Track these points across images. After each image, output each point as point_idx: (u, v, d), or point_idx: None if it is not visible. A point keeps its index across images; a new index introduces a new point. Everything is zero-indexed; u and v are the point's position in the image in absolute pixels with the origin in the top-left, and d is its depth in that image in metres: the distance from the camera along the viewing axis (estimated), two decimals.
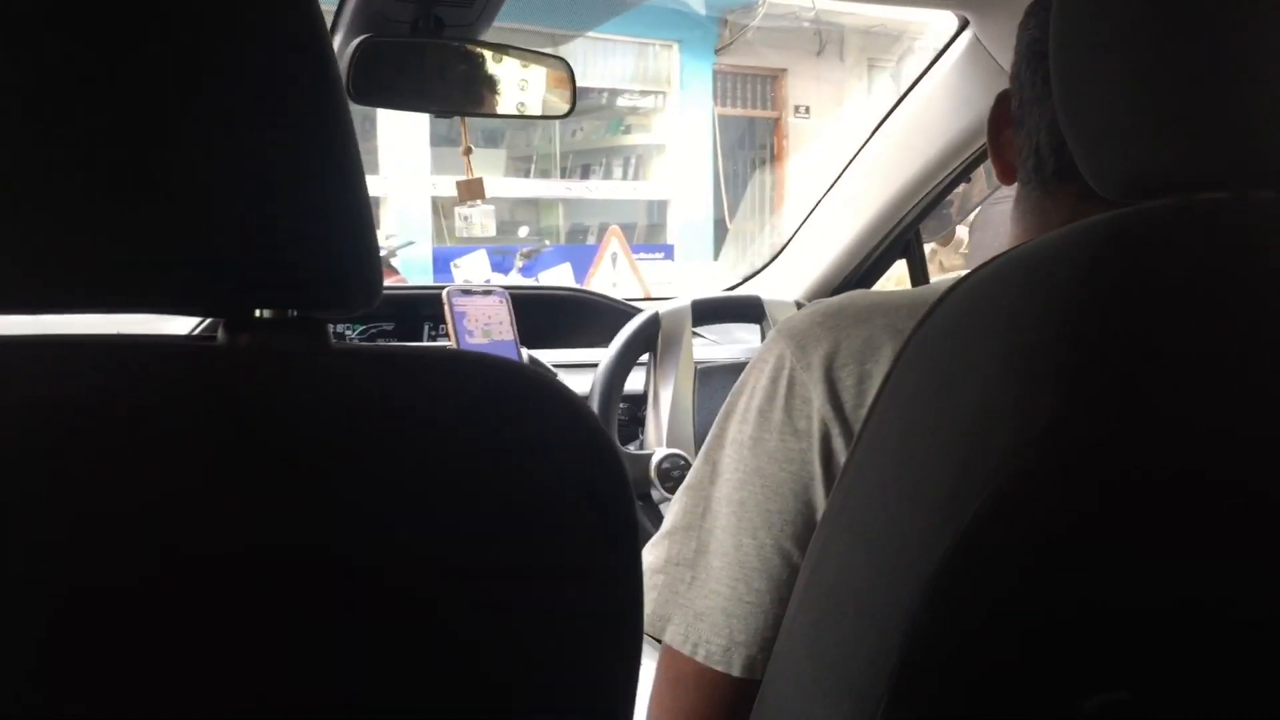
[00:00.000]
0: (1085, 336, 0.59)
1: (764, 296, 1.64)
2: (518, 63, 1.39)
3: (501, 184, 9.33)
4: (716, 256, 8.86)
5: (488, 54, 1.37)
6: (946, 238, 4.22)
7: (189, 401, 0.50)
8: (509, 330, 1.54)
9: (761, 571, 0.77)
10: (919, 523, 0.61)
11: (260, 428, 0.51)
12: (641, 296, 2.64)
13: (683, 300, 1.55)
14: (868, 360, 0.76)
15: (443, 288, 1.54)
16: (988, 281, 0.64)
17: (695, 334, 1.89)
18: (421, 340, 1.75)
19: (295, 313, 0.54)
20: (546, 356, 1.66)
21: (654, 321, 1.51)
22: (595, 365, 1.52)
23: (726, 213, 9.27)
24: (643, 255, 7.97)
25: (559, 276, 8.07)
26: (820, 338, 0.77)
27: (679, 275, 7.87)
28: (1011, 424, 0.59)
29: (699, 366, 1.54)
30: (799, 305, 1.64)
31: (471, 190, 1.41)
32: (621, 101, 9.65)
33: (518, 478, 0.57)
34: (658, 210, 9.55)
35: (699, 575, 0.79)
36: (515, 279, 7.52)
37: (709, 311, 1.60)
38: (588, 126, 9.72)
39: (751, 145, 9.95)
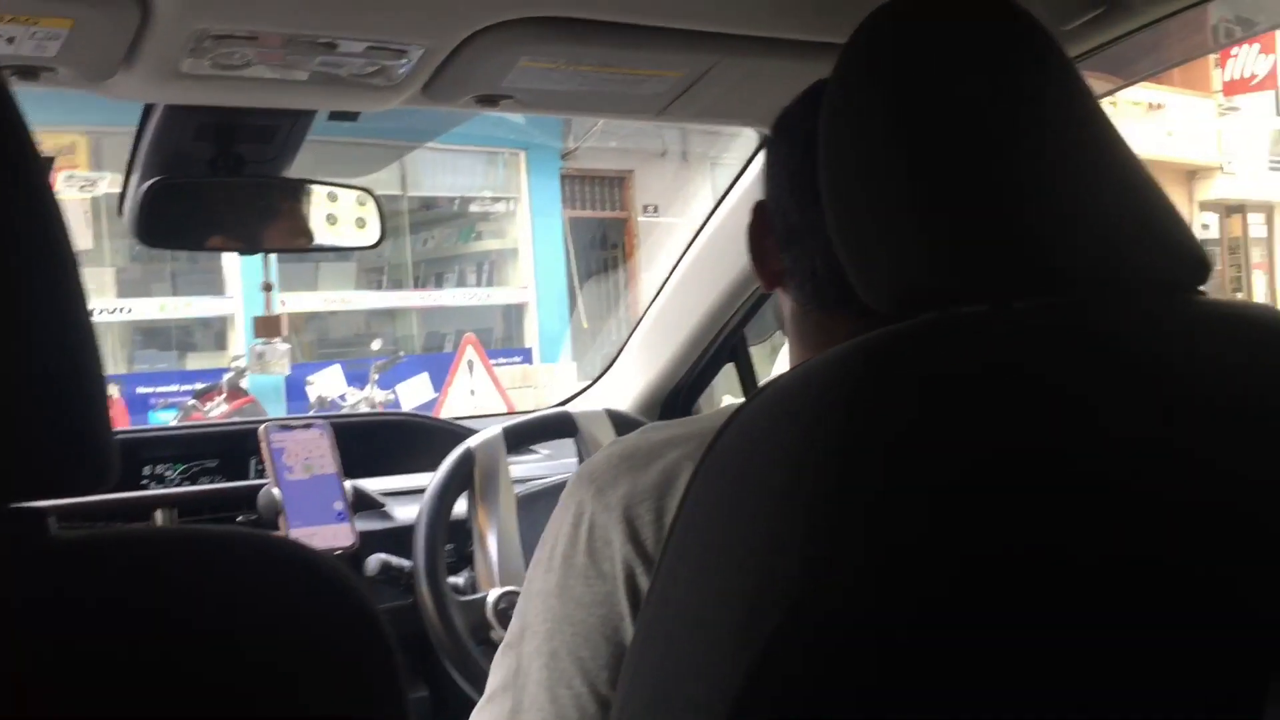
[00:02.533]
0: (852, 463, 0.60)
1: (574, 411, 1.64)
2: (322, 195, 1.39)
3: (354, 296, 9.22)
4: (574, 357, 8.89)
5: (290, 189, 1.36)
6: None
7: None
8: (330, 463, 1.50)
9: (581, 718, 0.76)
10: (715, 652, 0.61)
11: None
12: (502, 412, 2.62)
13: (494, 430, 1.53)
14: (665, 496, 0.76)
15: (261, 423, 1.50)
16: (766, 407, 0.65)
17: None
18: (248, 477, 1.69)
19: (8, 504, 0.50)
20: (374, 485, 1.62)
21: (467, 459, 1.49)
22: (424, 490, 1.49)
23: (582, 313, 9.33)
24: (500, 361, 7.95)
25: (416, 387, 7.98)
26: (617, 479, 0.77)
27: (539, 378, 7.86)
28: (797, 553, 0.59)
29: (521, 494, 1.52)
30: (611, 415, 1.64)
31: (269, 328, 1.39)
32: (473, 208, 9.70)
33: (270, 673, 0.53)
34: (514, 314, 9.56)
35: None
36: (371, 392, 7.39)
37: (521, 436, 1.59)
38: (439, 234, 9.72)
39: (604, 245, 10.09)
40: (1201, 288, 0.73)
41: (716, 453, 0.66)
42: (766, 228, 0.87)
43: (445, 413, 5.87)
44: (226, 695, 0.52)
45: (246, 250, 1.38)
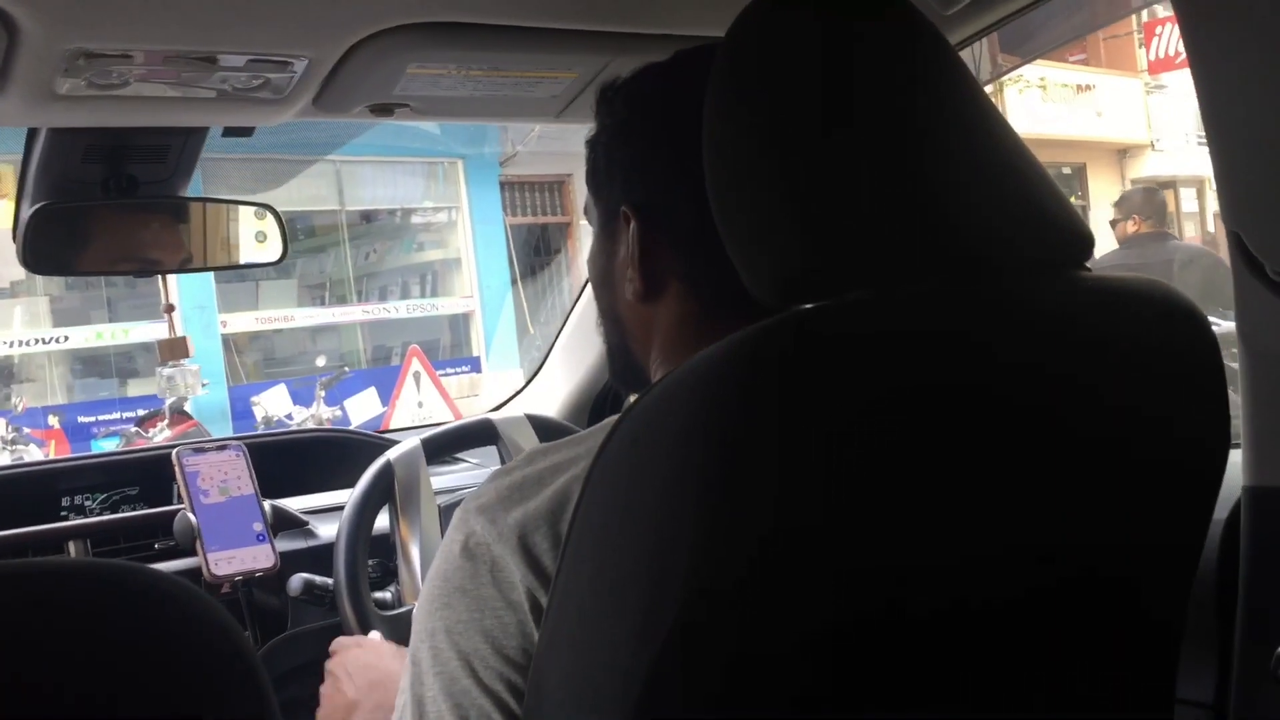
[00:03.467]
0: (742, 454, 0.60)
1: (495, 417, 1.63)
2: (221, 213, 1.37)
3: (297, 313, 9.13)
4: (522, 363, 8.86)
5: (187, 208, 1.34)
6: None
7: None
8: (248, 484, 1.48)
9: None
10: (618, 649, 0.62)
11: None
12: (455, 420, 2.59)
13: (412, 441, 1.51)
14: (560, 520, 0.73)
15: (173, 448, 1.47)
16: (651, 407, 0.65)
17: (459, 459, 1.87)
18: (170, 502, 1.66)
19: None
20: (296, 504, 1.60)
21: (386, 472, 1.47)
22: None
23: (528, 319, 9.31)
24: (448, 370, 7.91)
25: (364, 402, 7.92)
26: (509, 507, 0.74)
27: (487, 386, 7.83)
28: (689, 544, 0.60)
29: (444, 505, 1.50)
30: (533, 419, 1.63)
31: (174, 350, 1.36)
32: (413, 219, 9.63)
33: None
34: (460, 324, 9.51)
35: None
36: (318, 409, 7.32)
37: (441, 446, 1.57)
38: (380, 247, 9.65)
39: (547, 250, 10.06)
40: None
41: (606, 455, 0.66)
42: (651, 230, 0.83)
43: (394, 425, 5.83)
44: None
45: (143, 272, 1.36)
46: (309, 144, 7.47)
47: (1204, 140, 1.00)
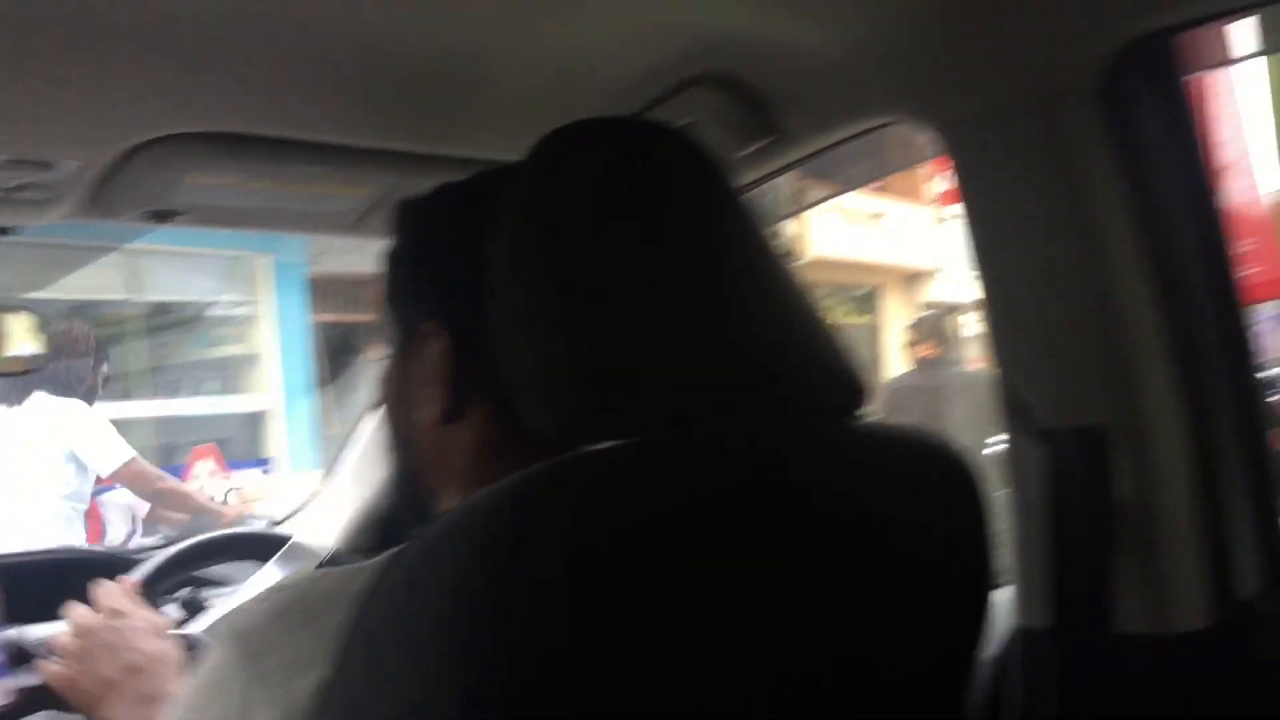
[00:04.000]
0: (504, 600, 0.58)
1: (255, 533, 1.53)
2: None
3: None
4: (325, 464, 8.56)
5: None
6: None
7: None
8: None
9: None
10: None
11: None
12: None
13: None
14: (322, 662, 0.67)
15: None
16: (424, 547, 0.62)
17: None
18: None
19: None
20: (37, 632, 1.46)
21: None
22: None
23: (334, 419, 9.04)
24: (240, 471, 7.53)
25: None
26: (273, 642, 0.68)
27: (279, 489, 7.49)
28: (457, 688, 0.58)
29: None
30: (295, 545, 1.54)
31: None
32: (211, 313, 9.28)
33: None
34: (258, 422, 9.14)
35: None
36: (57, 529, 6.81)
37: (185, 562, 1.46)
38: (175, 340, 9.23)
39: (353, 350, 9.84)
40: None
41: (375, 591, 0.62)
42: (461, 348, 0.79)
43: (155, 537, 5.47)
44: None
45: None
46: (102, 231, 7.12)
47: None
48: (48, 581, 1.60)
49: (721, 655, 0.64)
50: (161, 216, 1.24)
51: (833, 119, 1.12)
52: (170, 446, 8.92)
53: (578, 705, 0.59)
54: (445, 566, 0.61)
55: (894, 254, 12.54)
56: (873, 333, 13.17)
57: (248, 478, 7.35)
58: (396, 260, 0.86)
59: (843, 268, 12.05)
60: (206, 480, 6.42)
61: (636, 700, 0.61)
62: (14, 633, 1.40)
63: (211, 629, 0.72)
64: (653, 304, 0.67)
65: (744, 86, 1.12)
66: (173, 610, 1.37)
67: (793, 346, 0.71)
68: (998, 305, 1.04)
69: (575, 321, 0.66)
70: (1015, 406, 1.04)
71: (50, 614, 1.52)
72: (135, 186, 1.13)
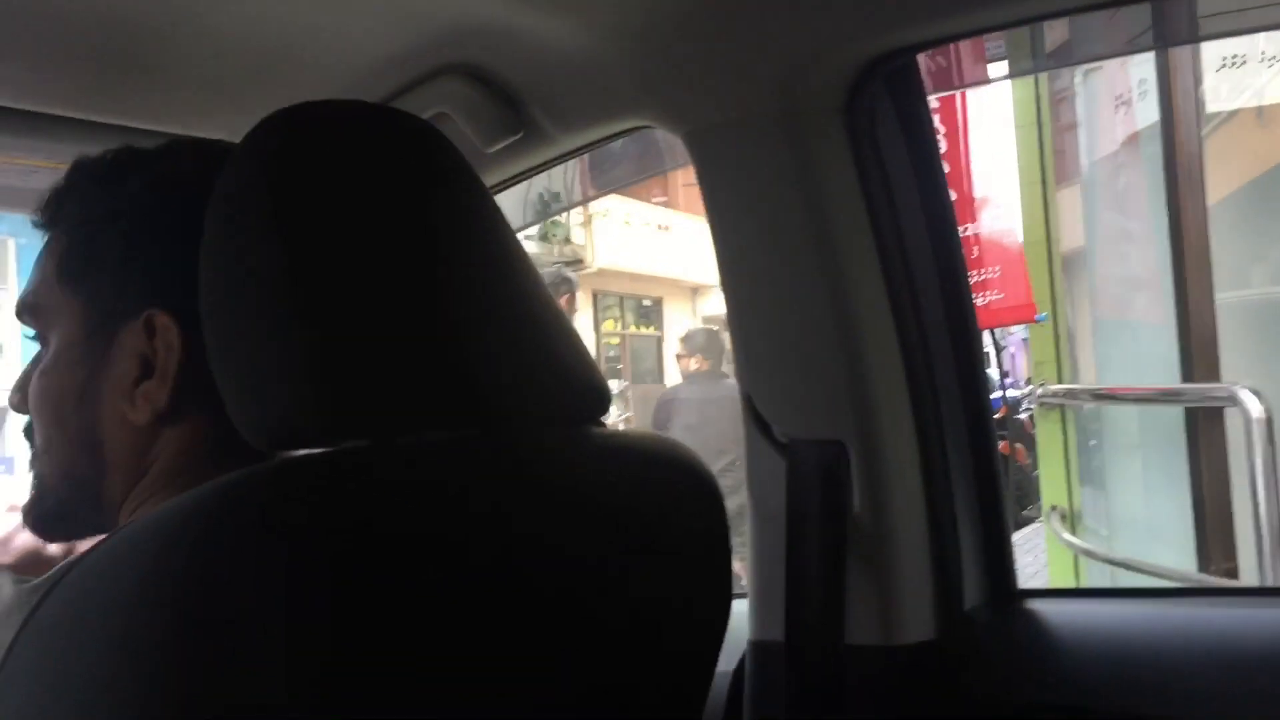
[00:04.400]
0: (195, 624, 0.52)
1: None
2: None
3: None
4: None
5: None
6: None
7: None
8: None
9: None
10: None
11: None
12: None
13: None
14: None
15: None
16: (104, 560, 0.55)
17: None
18: None
19: None
20: None
21: None
22: None
23: None
24: None
25: None
26: None
27: (14, 492, 6.96)
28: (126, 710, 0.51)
29: None
30: None
31: None
32: None
33: None
34: None
35: None
36: None
37: None
38: None
39: None
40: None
41: (37, 622, 0.55)
42: (182, 346, 0.71)
43: None
44: None
45: None
46: None
47: None
48: None
49: (443, 669, 0.60)
50: None
51: (583, 119, 1.09)
52: None
53: None
54: (115, 589, 0.54)
55: (678, 267, 12.81)
56: (657, 343, 13.40)
57: None
58: (89, 231, 0.74)
59: (629, 279, 12.21)
60: None
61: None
62: None
63: None
64: (377, 303, 0.61)
65: (494, 80, 1.07)
66: None
67: (527, 352, 0.67)
68: (740, 317, 1.03)
69: (290, 318, 0.60)
70: (755, 418, 1.04)
71: None
72: None
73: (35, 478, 0.79)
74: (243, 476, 0.56)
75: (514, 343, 0.66)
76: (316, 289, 0.60)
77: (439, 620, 0.59)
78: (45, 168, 1.13)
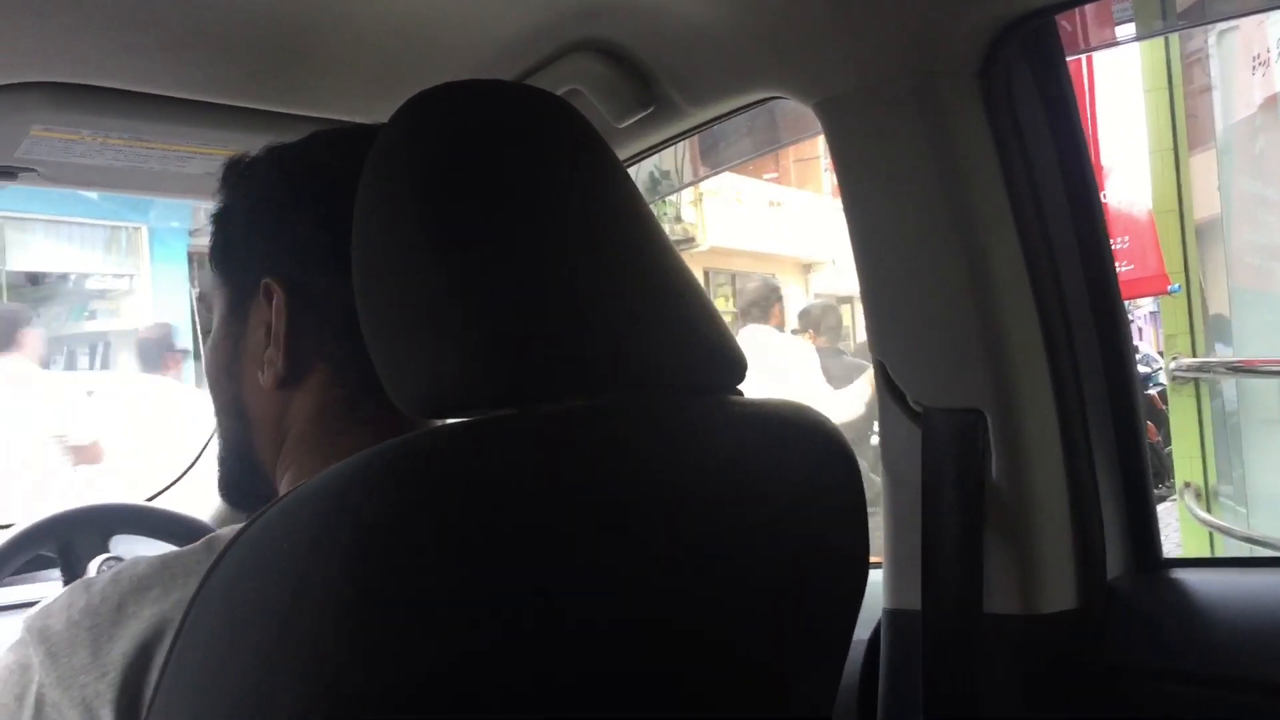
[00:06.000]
0: (364, 578, 0.54)
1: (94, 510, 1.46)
2: None
3: None
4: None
5: None
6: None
7: None
8: None
9: None
10: None
11: None
12: None
13: None
14: (136, 670, 0.64)
15: None
16: (273, 522, 0.58)
17: None
18: None
19: None
20: None
21: None
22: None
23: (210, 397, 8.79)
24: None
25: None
26: (75, 645, 0.65)
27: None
28: (294, 681, 0.54)
29: None
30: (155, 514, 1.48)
31: None
32: (88, 285, 8.95)
33: None
34: None
35: None
36: None
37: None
38: (47, 313, 8.87)
39: None
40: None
41: (219, 569, 0.58)
42: (302, 308, 0.76)
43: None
44: None
45: None
46: None
47: None
48: None
49: (593, 629, 0.61)
50: (3, 174, 1.16)
51: (714, 91, 1.10)
52: None
53: (434, 691, 0.56)
54: (288, 550, 0.57)
55: (790, 244, 12.70)
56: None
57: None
58: (228, 217, 0.82)
59: (739, 256, 12.15)
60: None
61: (498, 685, 0.58)
62: None
63: (25, 621, 0.67)
64: (524, 276, 0.64)
65: (625, 56, 1.09)
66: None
67: (664, 322, 0.69)
68: (874, 286, 1.03)
69: (439, 290, 0.63)
70: (889, 386, 1.04)
71: None
72: None
73: (218, 454, 0.86)
74: (413, 438, 0.58)
75: (652, 312, 0.68)
76: (463, 262, 0.63)
77: (590, 584, 0.61)
78: (199, 154, 1.19)
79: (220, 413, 0.84)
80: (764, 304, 4.08)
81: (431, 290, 0.63)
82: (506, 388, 0.62)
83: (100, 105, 1.04)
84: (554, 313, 0.63)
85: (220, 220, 0.82)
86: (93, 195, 7.63)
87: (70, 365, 8.89)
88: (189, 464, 1.88)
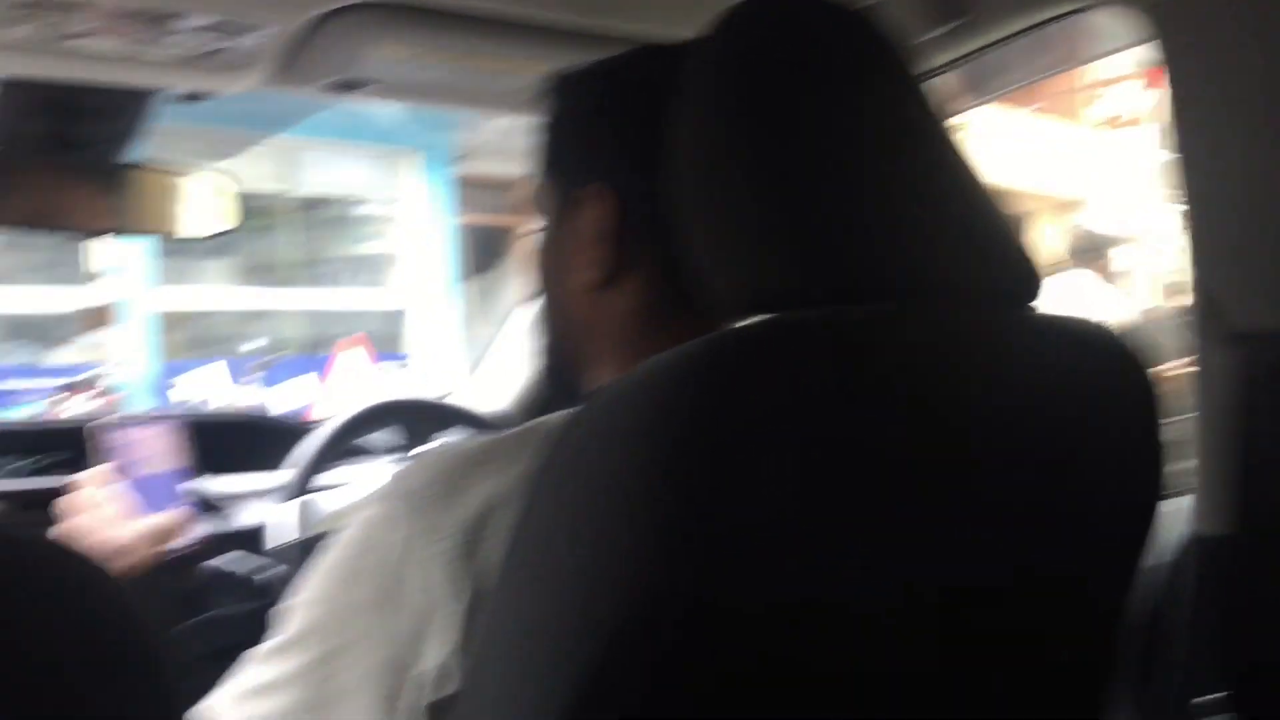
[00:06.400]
0: (695, 464, 0.59)
1: (421, 401, 1.60)
2: (168, 180, 1.32)
3: (237, 293, 8.97)
4: (460, 363, 8.79)
5: (131, 171, 1.29)
6: None
7: None
8: (172, 461, 1.43)
9: None
10: (556, 661, 0.60)
11: None
12: None
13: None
14: (482, 528, 0.71)
15: (100, 418, 1.42)
16: (610, 405, 0.63)
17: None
18: None
19: None
20: (221, 484, 1.56)
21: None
22: (270, 491, 1.43)
23: (468, 320, 9.24)
24: (379, 364, 7.81)
25: (295, 388, 7.80)
26: (432, 504, 0.72)
27: (416, 383, 7.73)
28: (628, 557, 0.58)
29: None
30: (458, 411, 1.60)
31: (99, 319, 1.31)
32: (359, 209, 9.52)
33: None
34: (399, 319, 9.40)
35: None
36: (245, 392, 7.20)
37: (366, 421, 1.54)
38: (323, 234, 9.52)
39: (494, 252, 10.00)
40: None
41: (555, 455, 0.64)
42: (626, 212, 0.82)
43: (322, 412, 5.74)
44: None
45: (78, 235, 1.30)
46: (259, 120, 7.33)
47: (1146, 202, 1.01)
48: (221, 440, 1.71)
49: (888, 539, 0.64)
50: (347, 87, 1.26)
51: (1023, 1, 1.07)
52: (316, 336, 9.27)
53: (759, 573, 0.60)
54: (626, 427, 0.61)
55: (1050, 180, 12.08)
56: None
57: (387, 371, 7.63)
58: (557, 127, 0.87)
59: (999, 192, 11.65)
60: (353, 370, 6.69)
61: (800, 578, 0.61)
62: (203, 483, 1.50)
63: (387, 482, 0.76)
64: (837, 180, 0.66)
65: None
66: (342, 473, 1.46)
67: (972, 232, 0.70)
68: (1199, 201, 0.99)
69: (763, 197, 0.66)
70: (1208, 308, 1.00)
71: (221, 469, 1.62)
72: (324, 56, 1.16)
73: (538, 349, 0.93)
74: (733, 333, 0.63)
75: (956, 221, 0.69)
76: (781, 170, 0.66)
77: (905, 479, 0.63)
78: (519, 71, 1.26)
79: (544, 312, 0.90)
80: (1089, 252, 3.99)
81: (752, 197, 0.66)
82: (822, 290, 0.65)
83: (436, 24, 1.13)
84: (866, 220, 0.66)
85: (550, 129, 0.88)
86: (370, 121, 8.07)
87: (345, 283, 9.52)
88: (474, 368, 2.01)
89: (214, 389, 7.49)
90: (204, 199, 1.35)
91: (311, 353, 8.80)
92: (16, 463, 1.64)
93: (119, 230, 1.32)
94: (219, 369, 7.74)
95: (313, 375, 7.72)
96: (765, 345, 0.62)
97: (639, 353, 0.80)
